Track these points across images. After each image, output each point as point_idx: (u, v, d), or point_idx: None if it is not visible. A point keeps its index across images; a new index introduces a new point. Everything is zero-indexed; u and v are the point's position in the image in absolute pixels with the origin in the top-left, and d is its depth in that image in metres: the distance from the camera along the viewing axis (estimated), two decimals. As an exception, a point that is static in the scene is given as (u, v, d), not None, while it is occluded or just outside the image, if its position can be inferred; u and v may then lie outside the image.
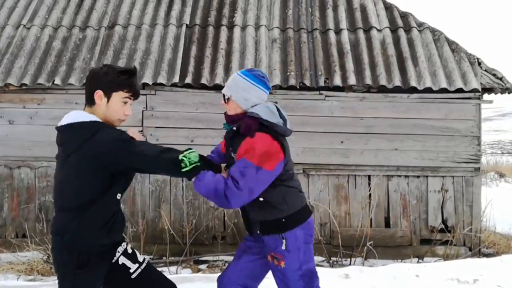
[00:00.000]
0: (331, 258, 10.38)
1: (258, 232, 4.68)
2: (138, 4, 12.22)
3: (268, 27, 11.78)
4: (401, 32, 11.65)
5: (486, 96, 11.29)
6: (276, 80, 10.60)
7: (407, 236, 11.00)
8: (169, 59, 10.98)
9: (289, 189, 4.64)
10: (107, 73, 4.05)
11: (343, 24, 11.78)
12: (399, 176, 11.00)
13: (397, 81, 10.61)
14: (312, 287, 4.70)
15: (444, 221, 11.00)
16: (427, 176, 10.99)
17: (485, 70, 11.14)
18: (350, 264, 9.97)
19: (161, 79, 10.53)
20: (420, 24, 11.87)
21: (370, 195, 10.83)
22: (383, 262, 9.96)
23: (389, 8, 12.34)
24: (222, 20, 11.86)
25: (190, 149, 4.20)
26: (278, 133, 4.49)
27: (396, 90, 10.71)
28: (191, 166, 4.09)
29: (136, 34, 11.59)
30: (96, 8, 12.08)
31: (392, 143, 10.85)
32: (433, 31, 11.75)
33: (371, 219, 10.82)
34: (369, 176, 10.95)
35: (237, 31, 11.60)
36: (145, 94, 10.69)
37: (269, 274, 4.92)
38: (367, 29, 11.69)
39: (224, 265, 10.02)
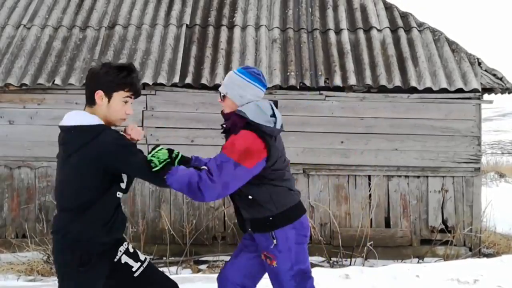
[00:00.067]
0: (331, 259, 10.38)
1: (250, 229, 4.71)
2: (138, 4, 12.22)
3: (268, 27, 11.78)
4: (401, 32, 11.65)
5: (486, 96, 11.29)
6: (276, 80, 10.60)
7: (407, 236, 11.00)
8: (169, 59, 10.98)
9: (277, 188, 4.62)
10: (108, 73, 4.01)
11: (343, 24, 11.77)
12: (399, 176, 11.00)
13: (397, 81, 10.61)
14: (303, 284, 4.70)
15: (444, 221, 11.00)
16: (427, 176, 10.99)
17: (485, 70, 11.14)
18: (350, 265, 9.98)
19: (161, 79, 10.53)
20: (420, 24, 11.87)
21: (370, 195, 10.83)
22: (383, 262, 9.95)
23: (389, 8, 12.34)
24: (222, 20, 11.86)
25: (158, 146, 4.22)
26: (265, 133, 4.47)
27: (396, 90, 10.71)
28: (161, 165, 4.10)
29: (136, 34, 11.59)
30: (96, 8, 12.08)
31: (392, 143, 10.85)
32: (433, 31, 11.75)
33: (371, 219, 10.82)
34: (369, 176, 10.95)
35: (237, 31, 11.60)
36: (145, 94, 10.69)
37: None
38: (367, 29, 11.69)
39: (224, 265, 10.01)
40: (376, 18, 11.94)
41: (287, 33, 11.67)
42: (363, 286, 7.41)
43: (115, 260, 4.21)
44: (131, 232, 10.60)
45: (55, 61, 11.01)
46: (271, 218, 4.58)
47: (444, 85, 10.57)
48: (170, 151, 4.26)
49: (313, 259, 10.35)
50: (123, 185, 4.16)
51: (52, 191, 10.18)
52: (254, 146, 4.39)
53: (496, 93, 11.13)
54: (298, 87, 10.68)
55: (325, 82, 10.71)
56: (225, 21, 11.82)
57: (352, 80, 10.64)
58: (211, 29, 11.67)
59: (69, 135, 4.03)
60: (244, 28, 11.70)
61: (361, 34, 11.61)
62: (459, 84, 10.61)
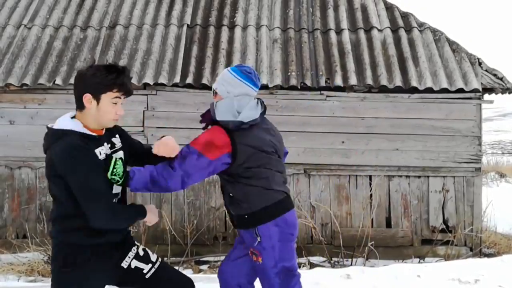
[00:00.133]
0: (332, 259, 10.38)
1: (235, 223, 4.85)
2: (139, 4, 12.21)
3: (269, 27, 11.77)
4: (402, 32, 11.64)
5: (486, 96, 11.30)
6: (277, 80, 10.60)
7: (408, 236, 11.00)
8: (170, 59, 10.97)
9: (251, 188, 4.65)
10: (94, 75, 3.90)
11: (344, 24, 11.77)
12: (400, 176, 11.00)
13: (398, 81, 10.61)
14: (289, 285, 4.76)
15: (445, 221, 11.00)
16: (428, 176, 10.99)
17: (486, 70, 11.14)
18: (351, 265, 9.98)
19: (162, 79, 10.53)
20: (421, 24, 11.87)
21: (371, 195, 10.82)
22: (384, 262, 9.95)
23: (390, 8, 12.33)
24: (223, 20, 11.85)
25: (111, 157, 4.17)
26: (230, 130, 4.55)
27: (397, 90, 10.71)
28: (122, 178, 4.22)
29: (137, 34, 11.58)
30: (97, 8, 12.07)
31: (393, 143, 10.85)
32: (434, 31, 11.75)
33: (372, 219, 10.82)
34: (370, 176, 10.95)
35: (238, 31, 11.59)
36: (146, 94, 10.70)
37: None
38: (368, 29, 11.69)
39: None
40: (377, 18, 11.94)
41: (288, 33, 11.67)
42: (364, 286, 7.40)
43: (125, 266, 4.21)
44: (132, 232, 10.57)
45: (55, 61, 11.01)
46: (246, 216, 4.67)
47: (444, 85, 10.56)
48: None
49: (314, 259, 10.40)
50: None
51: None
52: (218, 140, 4.50)
53: (496, 93, 11.14)
54: (299, 87, 10.68)
55: (326, 82, 10.70)
56: (226, 21, 11.82)
57: (353, 80, 10.64)
58: (212, 29, 11.66)
59: (45, 135, 4.09)
60: (245, 28, 11.70)
61: (362, 34, 11.61)
62: (460, 84, 10.61)
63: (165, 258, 10.19)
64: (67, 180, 3.80)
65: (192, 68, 10.78)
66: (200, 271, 9.94)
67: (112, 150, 4.11)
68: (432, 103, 10.82)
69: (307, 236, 10.92)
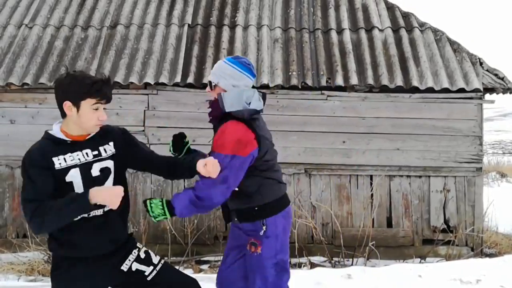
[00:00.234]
0: (333, 258, 10.38)
1: (236, 219, 4.75)
2: (140, 4, 12.21)
3: (270, 27, 11.77)
4: (403, 32, 11.63)
5: (487, 96, 11.29)
6: (278, 80, 10.59)
7: (409, 236, 10.99)
8: (171, 59, 10.97)
9: (266, 180, 4.69)
10: (71, 83, 3.89)
11: (345, 24, 11.76)
12: (401, 176, 10.99)
13: (399, 81, 10.60)
14: (281, 279, 4.74)
15: (446, 221, 10.99)
16: (429, 176, 10.98)
17: (487, 70, 11.14)
18: (352, 264, 9.98)
19: (163, 79, 10.52)
20: (422, 24, 11.86)
21: (372, 195, 10.81)
22: (385, 262, 9.95)
23: (391, 8, 12.33)
24: (224, 20, 11.85)
25: (145, 202, 4.45)
26: (250, 123, 4.56)
27: (398, 90, 10.70)
28: (162, 217, 4.45)
29: (138, 33, 11.58)
30: (98, 7, 12.07)
31: (394, 143, 10.84)
32: (435, 31, 11.74)
33: (373, 219, 10.81)
34: (371, 176, 10.94)
35: (239, 31, 11.59)
36: (147, 94, 10.71)
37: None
38: (369, 29, 11.68)
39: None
40: (378, 18, 11.93)
41: (289, 33, 11.66)
42: (365, 286, 7.40)
43: (125, 269, 4.19)
44: (132, 232, 10.59)
45: (56, 61, 11.01)
46: (256, 208, 4.65)
47: (446, 85, 10.55)
48: (183, 136, 4.65)
49: (315, 259, 10.39)
50: None
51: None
52: (244, 135, 4.47)
53: (497, 93, 11.13)
54: (300, 87, 10.67)
55: (327, 82, 10.69)
56: (227, 21, 11.81)
57: (354, 80, 10.63)
58: (213, 29, 11.66)
59: None
60: (246, 27, 11.70)
61: (363, 34, 11.60)
62: (461, 84, 10.60)
63: (166, 258, 10.19)
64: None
65: (193, 68, 10.78)
66: (200, 270, 9.93)
67: (96, 159, 4.05)
68: (433, 103, 10.82)
69: (308, 236, 10.91)
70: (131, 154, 4.27)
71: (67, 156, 3.94)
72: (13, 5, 12.22)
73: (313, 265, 10.02)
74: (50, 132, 4.01)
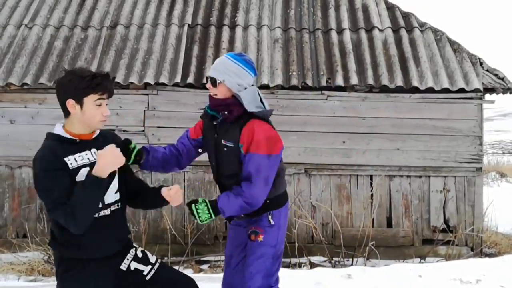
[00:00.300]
0: (333, 258, 10.37)
1: (242, 216, 4.73)
2: (140, 4, 12.20)
3: (270, 27, 11.77)
4: (403, 32, 11.63)
5: (487, 96, 11.29)
6: (278, 80, 10.59)
7: (409, 236, 10.99)
8: (171, 59, 10.97)
9: (279, 173, 4.74)
10: (72, 80, 3.89)
11: (345, 24, 11.76)
12: (401, 176, 10.99)
13: (399, 81, 10.60)
14: (275, 266, 4.77)
15: (446, 221, 10.99)
16: (429, 176, 10.98)
17: (487, 70, 11.14)
18: (352, 264, 9.98)
19: (163, 79, 10.53)
20: (422, 24, 11.86)
21: (372, 195, 10.81)
22: (385, 262, 9.94)
23: (391, 8, 12.33)
24: (224, 20, 11.84)
25: (190, 207, 4.55)
26: (269, 121, 4.69)
27: (398, 90, 10.70)
28: (209, 219, 4.56)
29: (138, 34, 11.58)
30: (98, 7, 12.06)
31: (394, 143, 10.84)
32: (435, 31, 11.74)
33: (373, 219, 10.81)
34: (371, 176, 10.94)
35: (239, 31, 11.59)
36: (147, 94, 10.71)
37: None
38: (369, 29, 11.68)
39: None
40: (378, 18, 11.93)
41: (289, 33, 11.66)
42: (365, 286, 7.39)
43: (124, 269, 4.18)
44: (132, 232, 10.59)
45: (56, 61, 11.01)
46: (268, 201, 4.67)
47: (446, 85, 10.56)
48: (128, 142, 4.45)
49: (315, 259, 10.39)
50: None
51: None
52: (273, 134, 4.61)
53: (497, 93, 11.13)
54: (300, 87, 10.67)
55: (327, 82, 10.69)
56: (227, 21, 11.81)
57: (354, 80, 10.63)
58: (212, 29, 11.65)
59: None
60: (246, 28, 11.69)
61: (363, 34, 11.59)
62: (461, 84, 10.60)
63: (166, 258, 10.20)
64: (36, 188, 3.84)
65: (193, 68, 10.78)
66: (200, 270, 9.94)
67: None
68: (433, 103, 10.82)
69: (308, 236, 10.91)
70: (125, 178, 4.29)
71: (77, 156, 3.93)
72: (12, 5, 12.21)
73: (313, 265, 10.02)
74: (55, 132, 3.98)
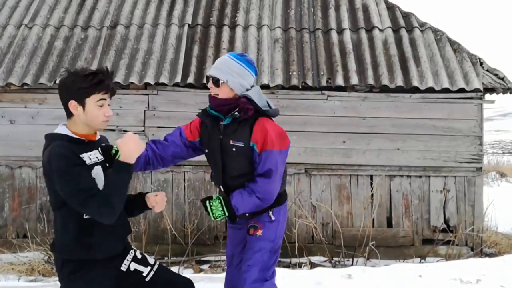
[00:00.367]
0: (333, 258, 10.37)
1: (247, 215, 4.73)
2: (140, 4, 12.20)
3: (270, 27, 11.77)
4: (403, 32, 11.64)
5: (488, 96, 11.29)
6: (278, 80, 10.59)
7: (409, 236, 11.00)
8: (171, 59, 10.97)
9: (285, 169, 4.83)
10: (74, 81, 3.89)
11: (345, 24, 11.76)
12: (401, 176, 11.00)
13: (399, 81, 10.60)
14: (272, 259, 4.78)
15: (446, 221, 11.00)
16: (429, 176, 10.98)
17: (487, 70, 11.15)
18: (352, 264, 9.98)
19: (163, 79, 10.53)
20: (422, 24, 11.86)
21: (372, 195, 10.81)
22: (385, 262, 9.95)
23: (391, 8, 12.33)
24: (224, 20, 11.84)
25: (204, 203, 4.63)
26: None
27: (398, 90, 10.71)
28: (222, 216, 4.64)
29: (138, 34, 11.58)
30: (98, 7, 12.06)
31: (394, 143, 10.84)
32: (435, 31, 11.74)
33: (373, 219, 10.81)
34: (371, 176, 10.94)
35: (239, 31, 11.59)
36: (147, 94, 10.71)
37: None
38: (369, 29, 11.68)
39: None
40: (378, 18, 11.93)
41: (289, 33, 11.66)
42: (366, 286, 7.39)
43: (124, 269, 4.18)
44: (132, 232, 10.58)
45: (56, 61, 11.01)
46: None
47: (446, 85, 10.56)
48: (109, 148, 4.31)
49: (315, 259, 10.39)
50: None
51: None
52: (282, 130, 4.67)
53: (497, 93, 11.13)
54: (300, 87, 10.67)
55: (327, 82, 10.69)
56: (227, 21, 11.81)
57: (354, 80, 10.63)
58: (213, 29, 11.66)
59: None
60: (246, 28, 11.69)
61: (363, 34, 11.60)
62: (461, 84, 10.60)
63: (166, 258, 10.20)
64: (57, 188, 3.78)
65: (193, 68, 10.78)
66: (201, 270, 9.93)
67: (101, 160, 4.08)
68: (433, 103, 10.82)
69: (308, 236, 10.91)
70: (110, 166, 4.21)
71: (88, 154, 3.96)
72: (12, 5, 12.22)
73: (313, 265, 10.02)
74: (62, 133, 3.96)
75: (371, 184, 10.86)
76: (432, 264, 9.00)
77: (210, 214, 4.58)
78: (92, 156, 3.98)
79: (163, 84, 10.60)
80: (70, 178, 3.74)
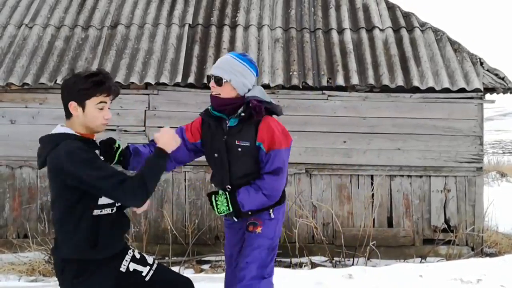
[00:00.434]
0: (334, 258, 10.37)
1: (250, 213, 4.72)
2: (140, 4, 12.21)
3: (270, 27, 11.77)
4: (404, 32, 11.64)
5: (488, 96, 11.30)
6: (279, 79, 10.59)
7: (409, 236, 11.00)
8: (171, 59, 10.97)
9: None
10: (76, 83, 3.91)
11: (346, 24, 11.76)
12: (402, 176, 11.00)
13: (400, 81, 10.61)
14: (269, 256, 4.77)
15: (446, 221, 11.00)
16: (429, 176, 10.98)
17: (487, 70, 11.14)
18: (353, 264, 9.97)
19: (164, 79, 10.52)
20: (423, 24, 11.86)
21: (372, 195, 10.81)
22: (386, 262, 9.95)
23: (391, 8, 12.33)
24: (224, 20, 11.85)
25: (211, 197, 4.66)
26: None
27: (399, 90, 10.71)
28: (227, 211, 4.65)
29: (139, 33, 11.58)
30: (98, 7, 12.07)
31: (394, 143, 10.84)
32: (436, 31, 11.74)
33: (373, 219, 10.80)
34: (371, 176, 10.94)
35: (239, 30, 11.59)
36: (148, 94, 10.71)
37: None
38: (370, 29, 11.69)
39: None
40: (379, 18, 11.94)
41: (289, 33, 11.66)
42: (366, 286, 7.39)
43: (123, 270, 4.15)
44: (133, 232, 10.60)
45: (57, 61, 11.01)
46: None
47: (446, 84, 10.56)
48: (112, 142, 4.42)
49: (315, 258, 10.39)
50: (101, 201, 3.96)
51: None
52: (284, 129, 4.71)
53: (498, 93, 11.14)
54: (300, 87, 10.67)
55: (327, 81, 10.70)
56: (227, 21, 11.81)
57: (355, 79, 10.63)
58: (213, 29, 11.66)
59: (39, 146, 4.04)
60: (246, 27, 11.70)
61: (364, 34, 11.60)
62: (462, 84, 10.61)
63: (167, 258, 10.20)
64: (81, 180, 3.74)
65: (193, 68, 10.78)
66: (201, 270, 9.93)
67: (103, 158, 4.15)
68: (433, 103, 10.82)
69: (309, 236, 10.91)
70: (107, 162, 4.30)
71: (97, 151, 4.05)
72: (13, 5, 12.22)
73: (314, 265, 10.01)
74: (68, 132, 3.96)
75: (372, 184, 10.86)
76: (432, 264, 8.99)
77: (215, 208, 4.60)
78: (98, 153, 4.08)
79: (164, 84, 10.60)
80: (98, 165, 3.80)
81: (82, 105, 3.91)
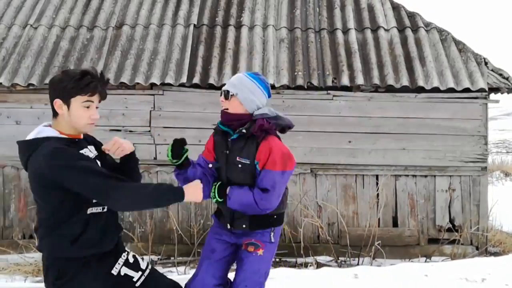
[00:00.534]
0: (339, 258, 10.39)
1: (244, 226, 4.70)
2: (145, 4, 12.22)
3: (275, 27, 11.78)
4: (409, 32, 11.64)
5: (492, 96, 11.30)
6: (284, 80, 10.60)
7: (414, 236, 11.00)
8: (176, 59, 10.98)
9: (286, 190, 4.80)
10: (61, 80, 3.84)
11: (351, 24, 11.77)
12: (407, 175, 11.00)
13: (405, 81, 10.61)
14: (264, 277, 4.77)
15: (451, 221, 11.01)
16: (434, 176, 10.99)
17: (492, 70, 11.14)
18: (358, 264, 9.99)
19: (169, 79, 10.54)
20: (427, 24, 11.87)
21: (378, 194, 10.82)
22: (391, 261, 9.98)
23: (396, 8, 12.34)
24: (229, 20, 11.86)
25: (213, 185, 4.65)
26: (285, 130, 4.77)
27: (404, 89, 10.71)
28: (217, 195, 4.63)
29: (144, 34, 11.59)
30: (103, 8, 12.09)
31: (399, 143, 10.85)
32: (440, 31, 11.75)
33: (379, 219, 10.82)
34: (377, 176, 10.95)
35: (244, 31, 11.60)
36: (153, 94, 10.72)
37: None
38: (375, 29, 11.69)
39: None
40: (384, 18, 11.94)
41: (294, 33, 11.67)
42: (372, 286, 7.40)
43: (115, 273, 4.10)
44: (139, 232, 10.63)
45: (62, 61, 11.02)
46: (275, 217, 4.74)
47: (451, 84, 10.56)
48: (184, 142, 4.61)
49: (321, 258, 10.42)
50: (89, 200, 3.92)
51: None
52: (288, 152, 4.64)
53: (502, 93, 11.14)
54: (305, 87, 10.68)
55: (332, 81, 10.70)
56: (232, 21, 11.82)
57: (360, 79, 10.64)
58: (218, 29, 11.67)
59: (19, 151, 4.05)
60: (251, 28, 11.71)
61: (369, 34, 11.61)
62: (466, 84, 10.61)
63: (172, 258, 10.22)
64: (65, 183, 3.71)
65: (199, 68, 10.79)
66: (206, 270, 9.92)
67: (94, 156, 4.07)
68: (438, 103, 10.82)
69: (314, 236, 10.93)
70: (103, 160, 4.20)
71: (83, 151, 3.96)
72: (18, 5, 12.24)
73: (319, 265, 10.03)
74: (48, 136, 3.89)
75: (377, 183, 10.88)
76: (437, 263, 9.01)
77: (212, 193, 4.64)
78: (88, 152, 4.00)
79: (169, 84, 10.62)
80: (85, 168, 3.75)
81: (67, 103, 3.85)
